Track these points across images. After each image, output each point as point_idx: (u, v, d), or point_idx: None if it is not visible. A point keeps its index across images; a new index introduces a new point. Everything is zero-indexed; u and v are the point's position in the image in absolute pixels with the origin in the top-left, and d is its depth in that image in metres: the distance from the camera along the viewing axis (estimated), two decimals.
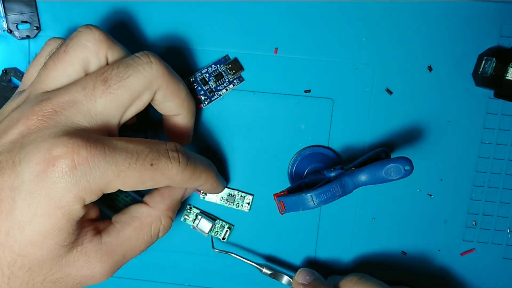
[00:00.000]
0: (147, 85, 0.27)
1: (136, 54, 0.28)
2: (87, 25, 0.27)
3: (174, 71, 0.29)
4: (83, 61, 0.27)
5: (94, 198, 0.25)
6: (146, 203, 0.30)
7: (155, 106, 0.29)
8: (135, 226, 0.29)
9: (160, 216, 0.30)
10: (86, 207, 0.25)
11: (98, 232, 0.27)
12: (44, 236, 0.24)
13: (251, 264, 0.34)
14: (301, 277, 0.33)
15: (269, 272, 0.33)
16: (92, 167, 0.24)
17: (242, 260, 0.34)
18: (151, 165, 0.26)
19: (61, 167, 0.24)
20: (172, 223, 0.31)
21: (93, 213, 0.28)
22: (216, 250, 0.34)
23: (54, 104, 0.25)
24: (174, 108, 0.30)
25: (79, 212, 0.25)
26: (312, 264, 0.36)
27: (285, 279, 0.33)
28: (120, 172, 0.25)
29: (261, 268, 0.33)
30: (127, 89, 0.26)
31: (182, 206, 0.35)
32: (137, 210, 0.29)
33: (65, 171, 0.24)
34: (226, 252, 0.34)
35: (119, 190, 0.33)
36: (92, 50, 0.27)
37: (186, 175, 0.27)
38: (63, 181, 0.24)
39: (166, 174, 0.26)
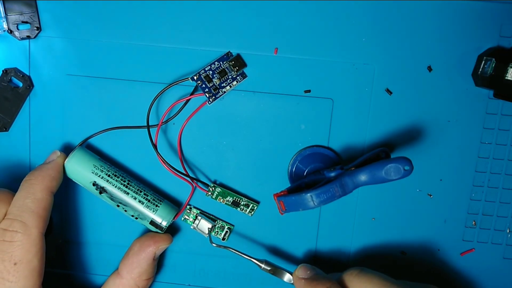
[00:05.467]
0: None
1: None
2: None
3: None
4: None
5: None
6: (119, 273, 0.33)
7: None
8: None
9: (133, 284, 0.33)
10: None
11: None
12: None
13: (250, 260, 0.33)
14: (301, 271, 0.32)
15: (268, 268, 0.33)
16: None
17: (241, 256, 0.33)
18: None
19: None
20: (153, 279, 0.34)
21: None
22: (214, 245, 0.34)
23: None
24: None
25: None
26: (311, 264, 0.36)
27: (287, 276, 0.33)
28: None
29: (260, 264, 0.33)
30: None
31: (182, 206, 0.36)
32: (113, 283, 0.33)
33: None
34: (225, 247, 0.33)
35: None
36: None
37: None
38: None
39: None
